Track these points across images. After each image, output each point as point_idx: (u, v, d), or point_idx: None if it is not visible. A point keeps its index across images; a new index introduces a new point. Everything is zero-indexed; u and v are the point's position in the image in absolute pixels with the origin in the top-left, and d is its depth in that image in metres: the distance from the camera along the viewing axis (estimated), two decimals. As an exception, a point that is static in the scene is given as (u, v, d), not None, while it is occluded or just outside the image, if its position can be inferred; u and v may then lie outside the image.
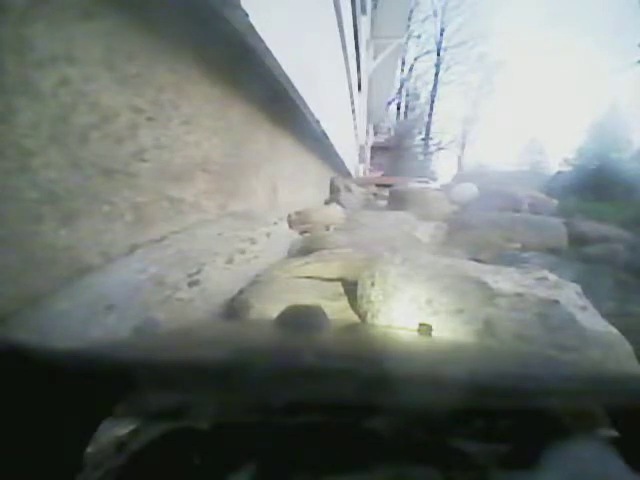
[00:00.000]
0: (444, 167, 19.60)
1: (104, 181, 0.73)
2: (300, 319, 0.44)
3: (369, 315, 0.82)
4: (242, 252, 1.03)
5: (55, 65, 0.61)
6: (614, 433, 0.25)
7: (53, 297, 0.60)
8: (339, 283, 1.01)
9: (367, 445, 0.24)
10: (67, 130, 0.64)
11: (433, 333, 0.55)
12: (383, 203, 3.99)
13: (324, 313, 0.47)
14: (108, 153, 0.74)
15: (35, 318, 0.56)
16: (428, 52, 17.95)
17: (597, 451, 0.24)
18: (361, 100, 7.00)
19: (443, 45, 17.83)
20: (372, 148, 14.28)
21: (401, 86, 18.11)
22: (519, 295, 0.69)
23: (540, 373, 0.34)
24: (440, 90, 18.48)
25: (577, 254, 2.03)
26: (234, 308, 0.91)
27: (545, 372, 0.35)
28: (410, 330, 0.53)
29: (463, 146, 19.78)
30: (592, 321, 0.66)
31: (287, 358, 0.27)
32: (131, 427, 0.25)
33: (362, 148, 9.12)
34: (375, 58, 7.82)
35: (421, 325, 0.52)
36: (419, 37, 17.67)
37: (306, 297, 0.92)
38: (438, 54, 17.94)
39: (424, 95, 18.77)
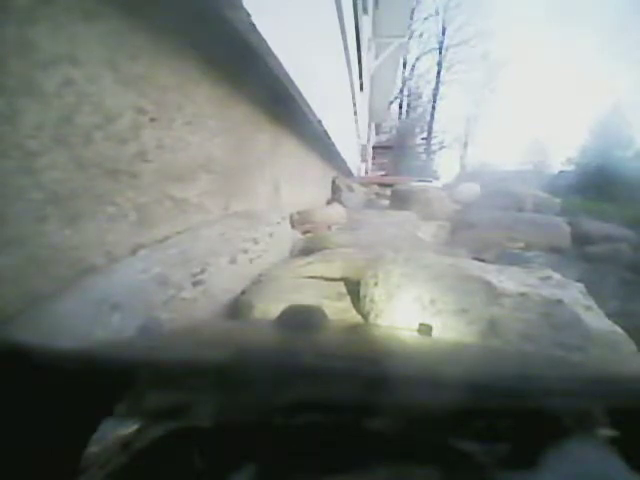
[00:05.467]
0: (446, 166, 19.58)
1: (108, 181, 0.74)
2: (300, 319, 0.44)
3: (372, 315, 0.82)
4: (245, 252, 1.03)
5: (59, 66, 0.61)
6: (614, 433, 0.25)
7: (57, 297, 0.60)
8: (342, 283, 1.01)
9: (367, 445, 0.24)
10: (71, 131, 0.64)
11: (437, 333, 0.55)
12: (385, 203, 3.99)
13: (324, 313, 0.47)
14: (112, 154, 0.74)
15: (39, 318, 0.56)
16: (430, 51, 17.92)
17: (597, 451, 0.24)
18: (363, 99, 6.99)
19: (445, 44, 17.79)
20: (374, 148, 14.25)
21: (403, 85, 18.08)
22: (523, 295, 0.69)
23: (540, 373, 0.33)
24: (442, 89, 18.45)
25: (581, 253, 2.02)
26: (237, 308, 0.91)
27: (546, 372, 0.35)
28: (411, 330, 0.53)
29: (465, 145, 19.72)
30: (596, 320, 0.66)
31: (287, 358, 0.28)
32: (134, 427, 0.25)
33: (364, 147, 9.11)
34: (377, 57, 7.81)
35: (421, 325, 0.52)
36: (421, 36, 17.65)
37: (309, 297, 0.92)
38: (440, 53, 17.90)
39: (426, 94, 18.74)
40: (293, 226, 1.86)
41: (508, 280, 0.74)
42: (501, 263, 1.01)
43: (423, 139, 18.73)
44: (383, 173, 11.57)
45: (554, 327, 0.64)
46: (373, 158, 13.93)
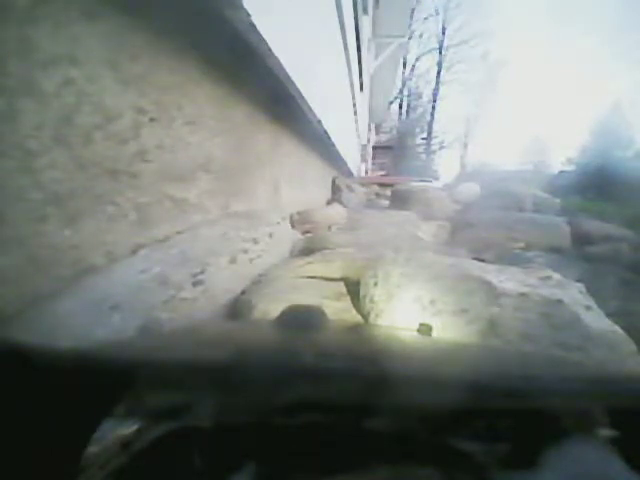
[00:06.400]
0: (446, 166, 19.59)
1: (108, 181, 0.74)
2: (300, 319, 0.44)
3: (372, 315, 0.82)
4: (245, 252, 1.03)
5: (59, 66, 0.61)
6: (614, 433, 0.25)
7: (57, 297, 0.60)
8: (342, 283, 1.01)
9: (367, 445, 0.24)
10: (71, 131, 0.64)
11: (437, 333, 0.55)
12: (385, 203, 3.99)
13: (324, 313, 0.47)
14: (112, 154, 0.74)
15: (39, 318, 0.56)
16: (430, 51, 17.91)
17: (597, 451, 0.24)
18: (363, 99, 6.99)
19: (445, 44, 17.78)
20: (374, 148, 14.24)
21: (403, 85, 18.06)
22: (523, 295, 0.69)
23: (540, 373, 0.33)
24: (442, 89, 18.44)
25: (580, 253, 2.02)
26: (237, 308, 0.91)
27: (545, 372, 0.35)
28: (411, 330, 0.53)
29: (465, 145, 19.71)
30: (596, 320, 0.66)
31: (287, 358, 0.28)
32: (134, 427, 0.25)
33: (364, 148, 9.11)
34: (377, 57, 7.81)
35: (421, 325, 0.52)
36: (421, 36, 17.65)
37: (308, 297, 0.92)
38: (440, 53, 17.90)
39: (426, 94, 18.73)
40: (293, 226, 1.86)
41: (508, 280, 0.74)
42: (501, 263, 1.01)
43: (423, 139, 18.73)
44: (383, 173, 11.58)
45: (554, 327, 0.64)
46: (373, 158, 13.93)
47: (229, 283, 0.94)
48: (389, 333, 0.58)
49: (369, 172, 11.20)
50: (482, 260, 1.13)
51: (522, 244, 2.08)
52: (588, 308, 0.69)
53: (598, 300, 0.73)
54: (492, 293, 0.70)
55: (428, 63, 18.40)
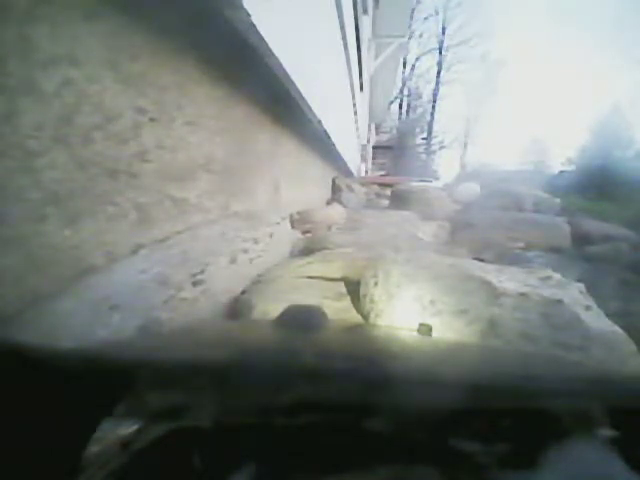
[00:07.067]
0: (446, 166, 19.56)
1: (108, 181, 0.74)
2: (300, 319, 0.44)
3: (372, 315, 0.82)
4: (245, 252, 1.03)
5: (59, 66, 0.61)
6: (614, 433, 0.25)
7: (57, 297, 0.60)
8: (342, 283, 1.01)
9: (367, 445, 0.24)
10: (71, 131, 0.64)
11: (437, 333, 0.55)
12: (385, 203, 3.99)
13: (324, 313, 0.47)
14: (112, 154, 0.74)
15: (39, 318, 0.56)
16: (430, 51, 17.89)
17: (597, 451, 0.24)
18: (363, 99, 6.99)
19: (445, 44, 17.77)
20: (374, 148, 14.24)
21: (403, 85, 18.05)
22: (523, 295, 0.69)
23: (540, 373, 0.34)
24: (442, 89, 18.41)
25: (580, 253, 2.02)
26: (237, 308, 0.91)
27: (545, 372, 0.35)
28: (410, 330, 0.53)
29: (465, 145, 19.68)
30: (596, 320, 0.66)
31: (287, 358, 0.28)
32: (134, 427, 0.25)
33: (364, 148, 9.11)
34: (377, 57, 7.80)
35: (421, 325, 0.52)
36: (421, 36, 17.63)
37: (309, 297, 0.92)
38: (440, 53, 17.88)
39: (426, 94, 18.70)
40: (293, 226, 1.86)
41: (508, 280, 0.74)
42: (501, 263, 1.01)
43: (423, 139, 18.70)
44: (383, 173, 11.58)
45: (554, 327, 0.65)
46: (373, 158, 13.93)
47: (229, 283, 0.94)
48: (389, 333, 0.59)
49: (369, 172, 11.21)
50: (482, 260, 1.14)
51: (522, 244, 2.08)
52: (588, 308, 0.69)
53: (598, 300, 0.73)
54: (492, 293, 0.70)
55: (428, 63, 18.36)
